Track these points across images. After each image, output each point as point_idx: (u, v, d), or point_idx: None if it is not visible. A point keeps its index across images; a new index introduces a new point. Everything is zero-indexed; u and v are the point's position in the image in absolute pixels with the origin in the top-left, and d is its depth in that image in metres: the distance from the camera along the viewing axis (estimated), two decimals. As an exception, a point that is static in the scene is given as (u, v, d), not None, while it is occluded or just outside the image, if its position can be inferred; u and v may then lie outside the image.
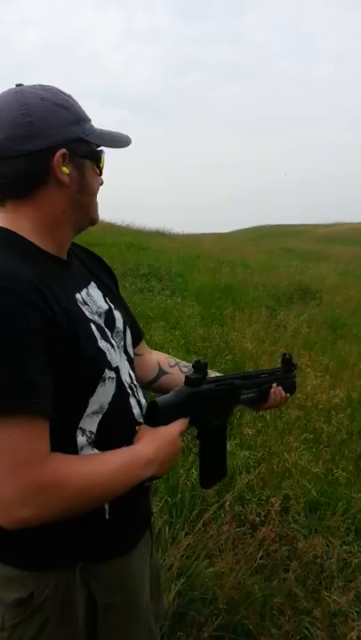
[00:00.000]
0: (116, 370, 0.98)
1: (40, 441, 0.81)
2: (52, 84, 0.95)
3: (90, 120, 0.98)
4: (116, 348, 1.00)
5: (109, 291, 1.08)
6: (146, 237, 11.75)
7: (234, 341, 4.35)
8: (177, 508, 2.37)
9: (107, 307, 1.03)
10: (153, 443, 0.95)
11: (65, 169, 0.91)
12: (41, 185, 0.91)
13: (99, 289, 1.04)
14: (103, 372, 0.93)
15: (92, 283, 1.03)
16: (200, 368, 1.07)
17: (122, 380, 0.99)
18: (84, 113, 0.96)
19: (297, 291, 7.91)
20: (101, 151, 0.99)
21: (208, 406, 1.09)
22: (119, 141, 1.00)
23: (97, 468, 0.87)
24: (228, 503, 2.37)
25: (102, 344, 0.95)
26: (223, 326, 5.18)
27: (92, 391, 0.91)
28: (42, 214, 0.93)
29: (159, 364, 1.23)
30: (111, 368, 0.96)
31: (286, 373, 1.31)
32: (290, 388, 1.31)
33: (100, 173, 1.00)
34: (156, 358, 1.24)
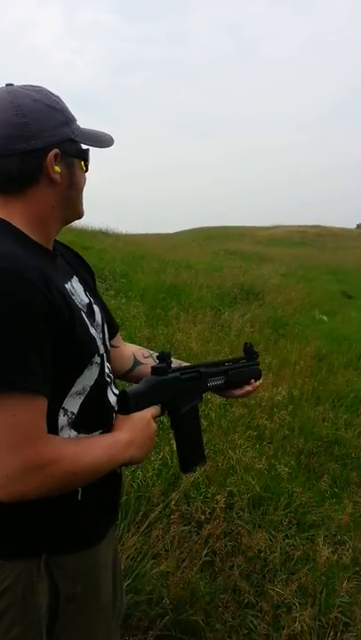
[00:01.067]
0: (102, 357, 1.04)
1: (41, 420, 0.86)
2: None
3: (76, 120, 1.02)
4: (98, 338, 1.04)
5: (88, 285, 1.13)
6: (89, 236, 11.59)
7: (179, 342, 4.38)
8: (122, 510, 2.35)
9: (87, 300, 1.08)
10: (129, 427, 1.02)
11: (57, 168, 0.96)
12: (33, 183, 0.96)
13: (79, 283, 1.09)
14: (93, 356, 0.99)
15: (74, 277, 1.08)
16: (164, 358, 1.14)
17: (104, 368, 1.05)
18: (71, 113, 1.01)
19: (240, 291, 8.05)
20: (88, 150, 1.04)
21: (176, 393, 1.15)
22: (104, 141, 1.05)
23: (86, 449, 0.93)
24: (173, 502, 2.37)
25: (92, 331, 1.02)
26: (168, 327, 5.20)
27: (79, 372, 0.97)
28: (32, 210, 0.98)
29: (134, 355, 1.29)
30: (99, 354, 1.02)
31: (250, 361, 1.38)
32: (256, 374, 1.39)
33: (87, 171, 1.06)
34: (131, 350, 1.30)
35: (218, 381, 1.28)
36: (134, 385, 1.11)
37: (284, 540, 2.46)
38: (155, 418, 1.08)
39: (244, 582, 2.13)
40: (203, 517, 2.35)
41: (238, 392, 1.35)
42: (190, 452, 1.24)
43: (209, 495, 2.61)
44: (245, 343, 1.42)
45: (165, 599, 1.91)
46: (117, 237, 13.66)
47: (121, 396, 1.07)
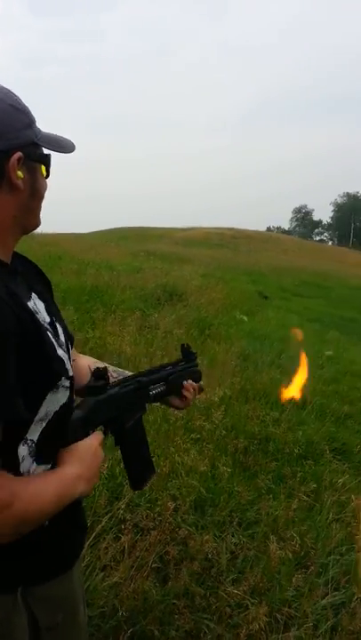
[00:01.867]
0: (71, 379, 0.97)
1: None
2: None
3: (36, 122, 0.96)
4: (65, 360, 0.97)
5: (47, 302, 1.03)
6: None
7: (111, 345, 4.31)
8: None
9: (49, 319, 1.00)
10: (76, 460, 0.94)
11: (19, 173, 0.89)
12: None
13: (39, 299, 1.00)
14: (60, 379, 0.92)
15: (33, 293, 1.00)
16: (100, 375, 1.05)
17: (72, 391, 0.98)
18: (32, 115, 0.95)
19: (164, 293, 8.09)
20: (50, 155, 0.98)
21: (117, 410, 1.08)
22: (65, 147, 1.00)
23: (37, 492, 0.85)
24: (120, 512, 2.32)
25: (60, 352, 0.94)
26: (95, 329, 5.09)
27: (43, 395, 0.89)
28: None
29: (90, 368, 1.19)
30: (67, 377, 0.95)
31: (188, 363, 1.34)
32: (196, 375, 1.34)
33: (47, 176, 0.99)
34: (86, 363, 1.22)
35: (159, 388, 1.23)
36: (75, 411, 1.02)
37: (228, 538, 2.50)
38: (100, 444, 1.01)
39: (196, 586, 2.13)
40: (150, 524, 2.32)
41: (182, 403, 1.30)
42: (140, 467, 1.19)
43: (152, 501, 2.59)
44: (183, 344, 1.39)
45: (120, 612, 1.86)
46: (32, 237, 13.19)
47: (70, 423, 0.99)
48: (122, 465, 2.65)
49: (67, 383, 0.94)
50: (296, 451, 3.68)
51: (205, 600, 2.09)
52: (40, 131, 0.96)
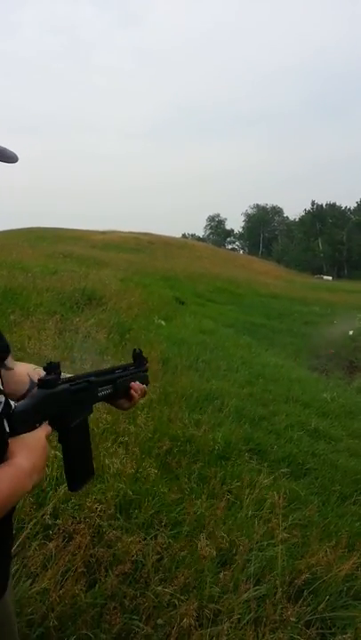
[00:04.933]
0: (3, 392, 0.94)
1: None
2: None
3: None
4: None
5: None
6: None
7: (31, 349, 4.18)
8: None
9: None
10: (27, 452, 0.93)
11: None
12: None
13: None
14: None
15: None
16: (52, 369, 1.05)
17: (7, 399, 0.96)
18: None
19: (82, 296, 7.97)
20: None
21: (65, 406, 1.08)
22: (7, 157, 0.98)
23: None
24: (46, 517, 2.27)
25: None
26: (12, 333, 4.91)
27: None
28: None
29: (29, 376, 1.16)
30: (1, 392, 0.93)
31: (138, 368, 1.37)
32: (144, 380, 1.38)
33: None
34: (25, 370, 1.18)
35: (107, 390, 1.24)
36: (21, 401, 1.02)
37: (152, 540, 2.53)
38: (47, 437, 1.01)
39: (125, 587, 2.14)
40: (77, 528, 2.29)
41: (127, 404, 1.31)
42: (80, 469, 1.18)
43: (78, 505, 2.56)
44: (134, 349, 1.42)
45: (51, 619, 1.82)
46: None
47: (14, 414, 0.98)
48: (48, 470, 2.60)
49: (2, 398, 0.93)
50: (216, 451, 3.80)
51: (134, 601, 2.10)
52: None
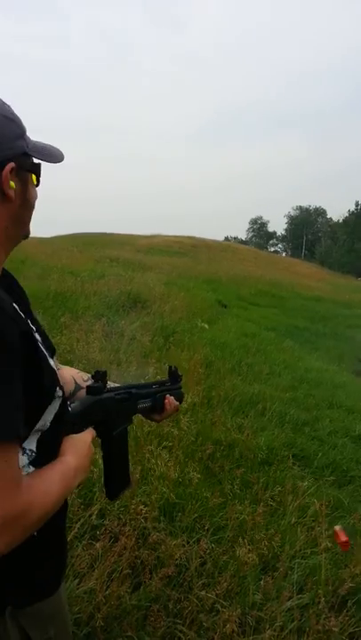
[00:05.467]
0: (62, 388, 0.99)
1: (16, 468, 0.80)
2: None
3: (26, 131, 0.95)
4: (56, 369, 0.99)
5: (28, 313, 1.03)
6: None
7: (79, 351, 4.30)
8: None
9: (33, 328, 1.00)
10: (75, 452, 0.98)
11: (12, 183, 0.89)
12: None
13: (21, 310, 0.98)
14: (55, 390, 0.94)
15: (14, 304, 0.98)
16: (100, 377, 1.10)
17: (65, 400, 1.00)
18: (23, 124, 0.94)
19: (128, 299, 8.11)
20: (40, 164, 0.97)
21: (109, 414, 1.13)
22: (54, 156, 0.99)
23: (48, 486, 0.87)
24: (93, 518, 2.34)
25: (51, 362, 0.96)
26: (61, 336, 5.06)
27: (44, 409, 0.91)
28: None
29: (74, 379, 1.22)
30: (61, 387, 0.97)
31: (174, 384, 1.40)
32: (179, 397, 1.41)
33: (37, 185, 0.98)
34: (70, 374, 1.23)
35: (146, 404, 1.28)
36: (72, 405, 1.08)
37: (195, 544, 2.56)
38: (92, 440, 1.06)
39: (169, 590, 2.17)
40: (125, 529, 2.35)
41: (158, 417, 1.33)
42: (119, 477, 1.22)
43: (124, 507, 2.62)
44: (170, 367, 1.45)
45: (98, 619, 1.88)
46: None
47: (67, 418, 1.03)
48: (96, 471, 2.68)
49: (60, 393, 0.96)
50: (259, 456, 3.79)
51: (178, 605, 2.14)
52: (30, 140, 0.95)
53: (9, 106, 0.92)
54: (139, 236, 29.07)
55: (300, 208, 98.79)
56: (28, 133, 0.95)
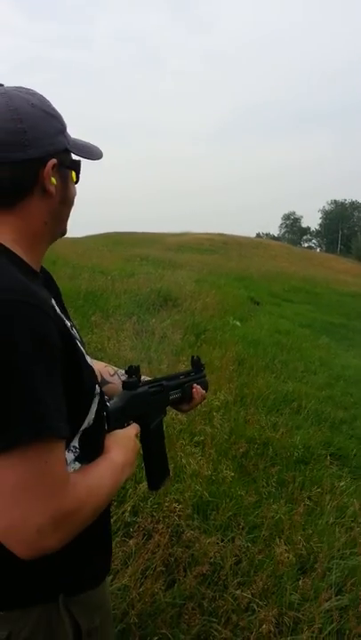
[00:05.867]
0: (100, 385, 0.99)
1: (64, 466, 0.80)
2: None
3: (67, 128, 0.95)
4: (93, 367, 0.99)
5: (64, 309, 1.02)
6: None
7: (110, 349, 4.31)
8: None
9: (70, 324, 0.99)
10: (120, 448, 0.98)
11: (53, 180, 0.89)
12: (26, 195, 0.88)
13: (58, 306, 0.98)
14: (95, 388, 0.95)
15: (52, 300, 0.97)
16: (133, 372, 1.12)
17: (103, 397, 1.01)
18: (64, 121, 0.94)
19: (158, 298, 8.11)
20: (80, 161, 0.98)
21: (146, 407, 1.15)
22: (94, 153, 1.00)
23: (97, 483, 0.88)
24: (126, 515, 2.33)
25: (88, 360, 0.96)
26: (92, 334, 5.09)
27: (88, 408, 0.91)
28: (25, 225, 0.89)
29: (101, 373, 1.21)
30: (98, 384, 0.98)
31: (198, 374, 1.41)
32: (205, 386, 1.41)
33: (77, 182, 0.99)
34: (96, 368, 1.20)
35: (176, 395, 1.29)
36: (112, 401, 1.08)
37: (230, 543, 2.52)
38: (137, 436, 1.07)
39: (203, 588, 2.14)
40: (158, 527, 2.33)
41: (186, 407, 1.34)
42: (160, 468, 1.23)
43: (157, 504, 2.60)
44: (193, 356, 1.46)
45: (132, 616, 1.87)
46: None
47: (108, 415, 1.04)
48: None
49: (98, 390, 0.97)
50: (295, 455, 3.71)
51: (213, 603, 2.10)
52: (70, 137, 0.95)
53: (49, 102, 0.92)
54: (168, 235, 29.14)
55: (336, 202, 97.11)
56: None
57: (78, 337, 1.00)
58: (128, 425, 1.07)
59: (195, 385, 1.35)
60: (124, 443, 0.99)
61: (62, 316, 0.95)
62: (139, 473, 2.76)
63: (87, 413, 0.91)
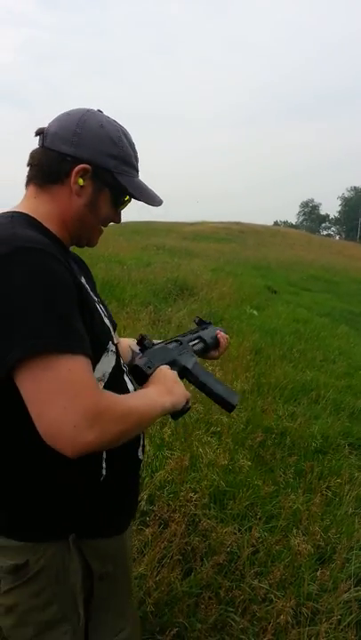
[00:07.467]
0: (116, 346, 1.12)
1: (93, 375, 0.91)
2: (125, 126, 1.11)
3: (136, 169, 1.11)
4: (112, 329, 1.14)
5: (94, 288, 1.18)
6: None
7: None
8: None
9: (97, 299, 1.14)
10: (150, 383, 1.10)
11: (81, 180, 1.04)
12: (58, 182, 1.04)
13: (88, 283, 1.14)
14: (108, 343, 1.06)
15: (83, 277, 1.12)
16: (143, 338, 1.24)
17: (119, 357, 1.12)
18: (131, 159, 1.09)
19: (174, 287, 8.07)
20: (126, 198, 1.11)
21: (171, 355, 1.24)
22: (150, 198, 1.12)
23: (129, 398, 1.00)
24: (142, 504, 2.33)
25: (106, 321, 1.10)
26: (109, 323, 5.09)
27: (97, 358, 1.01)
28: (56, 208, 1.05)
29: (131, 348, 1.32)
30: (114, 343, 1.10)
31: (205, 328, 1.54)
32: (224, 332, 1.56)
33: (116, 211, 1.12)
34: (127, 343, 1.36)
35: (198, 345, 1.41)
36: (138, 360, 1.16)
37: (247, 532, 2.50)
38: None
39: (220, 578, 2.13)
40: (175, 516, 2.32)
41: (216, 353, 1.50)
42: (223, 393, 1.30)
43: (173, 493, 2.59)
44: (195, 318, 1.58)
45: (148, 604, 1.86)
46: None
47: (134, 370, 1.14)
48: (145, 457, 2.66)
49: (113, 348, 1.09)
50: (313, 445, 3.67)
51: (230, 593, 2.09)
52: (130, 173, 1.09)
53: (125, 137, 1.08)
54: (184, 224, 28.97)
55: (356, 189, 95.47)
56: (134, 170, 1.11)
57: (105, 311, 1.14)
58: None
59: (218, 330, 1.49)
60: (158, 376, 1.11)
61: (83, 282, 1.07)
62: (155, 463, 2.76)
63: (97, 363, 1.00)
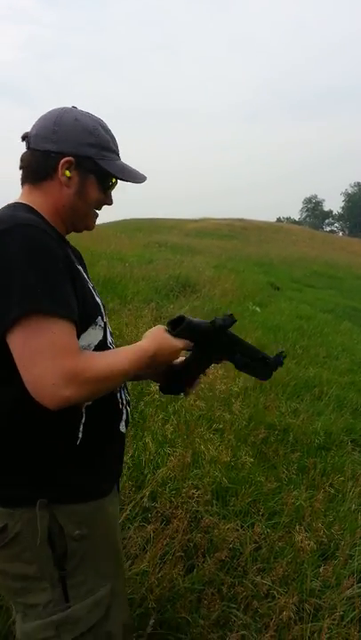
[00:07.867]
0: (105, 323, 1.20)
1: (75, 339, 1.02)
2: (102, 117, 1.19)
3: (116, 153, 1.19)
4: (102, 307, 1.22)
5: (89, 277, 1.25)
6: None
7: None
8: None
9: (91, 284, 1.23)
10: (150, 339, 1.16)
11: (67, 172, 1.13)
12: (48, 178, 1.14)
13: (84, 273, 1.22)
14: (97, 317, 1.15)
15: (80, 266, 1.21)
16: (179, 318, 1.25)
17: (107, 334, 1.20)
18: (109, 144, 1.17)
19: (176, 284, 8.06)
20: (112, 180, 1.19)
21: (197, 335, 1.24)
22: (132, 176, 1.20)
23: (107, 356, 1.09)
24: (145, 500, 2.32)
25: (98, 300, 1.20)
26: (110, 321, 5.09)
27: (84, 328, 1.09)
28: (48, 200, 1.15)
29: None
30: (103, 319, 1.18)
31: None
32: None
33: (105, 194, 1.21)
34: None
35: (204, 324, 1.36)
36: (194, 319, 1.22)
37: (249, 529, 2.50)
38: (181, 344, 1.19)
39: (223, 574, 2.13)
40: (177, 512, 2.32)
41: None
42: (260, 364, 1.34)
43: (175, 490, 2.59)
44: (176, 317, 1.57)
45: (150, 601, 1.86)
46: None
47: (178, 319, 1.21)
48: (147, 454, 2.67)
49: (102, 323, 1.17)
50: (316, 441, 3.66)
51: (232, 589, 2.09)
52: (111, 157, 1.17)
53: (102, 127, 1.16)
54: (186, 220, 28.89)
55: (359, 185, 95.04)
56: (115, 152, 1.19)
57: (100, 301, 1.22)
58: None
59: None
60: (154, 334, 1.17)
61: (78, 267, 1.16)
62: (157, 460, 2.76)
63: (83, 332, 1.08)
